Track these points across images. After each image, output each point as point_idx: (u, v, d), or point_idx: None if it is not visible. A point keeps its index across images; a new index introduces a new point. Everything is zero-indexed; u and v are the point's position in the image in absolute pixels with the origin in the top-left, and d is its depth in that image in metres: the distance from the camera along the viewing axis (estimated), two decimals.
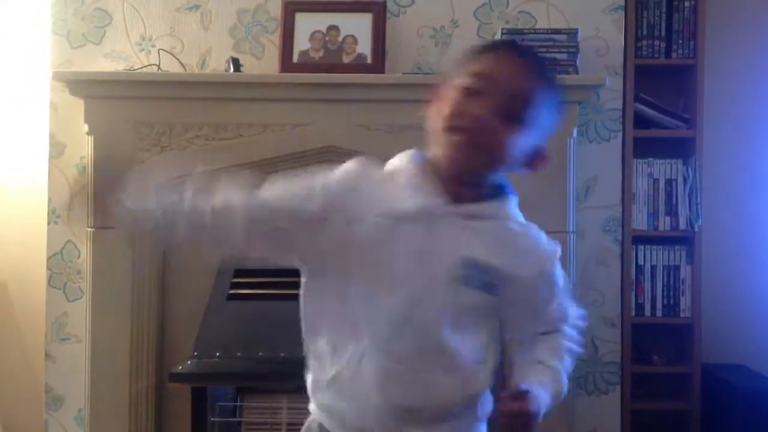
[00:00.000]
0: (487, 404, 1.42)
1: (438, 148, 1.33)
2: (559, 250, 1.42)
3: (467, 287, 1.33)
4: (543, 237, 1.41)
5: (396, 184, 1.35)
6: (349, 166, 1.37)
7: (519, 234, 1.38)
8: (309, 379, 1.42)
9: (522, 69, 1.34)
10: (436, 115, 1.34)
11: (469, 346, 1.35)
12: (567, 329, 1.45)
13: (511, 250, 1.36)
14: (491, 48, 1.41)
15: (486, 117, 1.29)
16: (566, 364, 1.42)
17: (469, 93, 1.31)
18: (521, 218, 1.41)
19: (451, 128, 1.31)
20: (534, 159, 1.37)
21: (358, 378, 1.33)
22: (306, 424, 1.46)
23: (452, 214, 1.33)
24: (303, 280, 1.40)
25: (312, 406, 1.43)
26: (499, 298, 1.36)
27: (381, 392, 1.32)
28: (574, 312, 1.47)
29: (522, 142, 1.33)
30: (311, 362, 1.41)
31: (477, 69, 1.33)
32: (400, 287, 1.32)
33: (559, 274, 1.43)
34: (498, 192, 1.38)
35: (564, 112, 2.76)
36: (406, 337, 1.32)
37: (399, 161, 1.39)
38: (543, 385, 1.36)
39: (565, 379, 1.41)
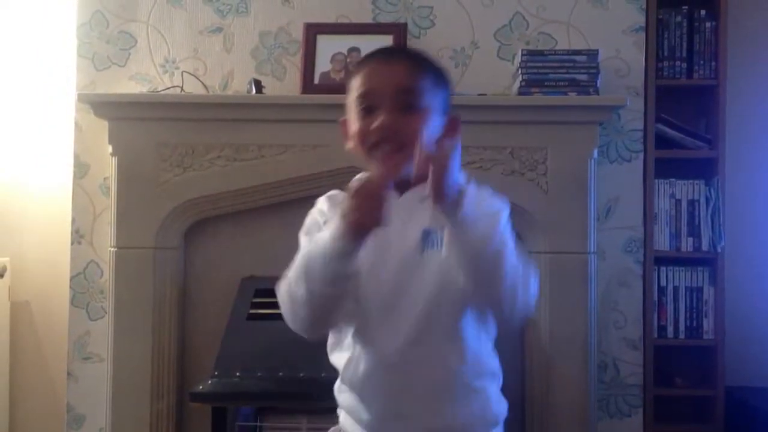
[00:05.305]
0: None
1: (375, 168, 1.40)
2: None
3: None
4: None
5: None
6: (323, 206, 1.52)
7: None
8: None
9: (395, 66, 1.46)
10: (355, 141, 1.45)
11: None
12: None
13: None
14: (364, 63, 1.51)
15: (390, 121, 1.39)
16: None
17: (366, 110, 1.43)
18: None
19: (371, 147, 1.42)
20: (449, 128, 1.46)
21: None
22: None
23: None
24: None
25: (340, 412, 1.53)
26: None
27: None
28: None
29: (431, 121, 1.42)
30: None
31: (361, 88, 1.45)
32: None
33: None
34: None
35: (584, 132, 2.80)
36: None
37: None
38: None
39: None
